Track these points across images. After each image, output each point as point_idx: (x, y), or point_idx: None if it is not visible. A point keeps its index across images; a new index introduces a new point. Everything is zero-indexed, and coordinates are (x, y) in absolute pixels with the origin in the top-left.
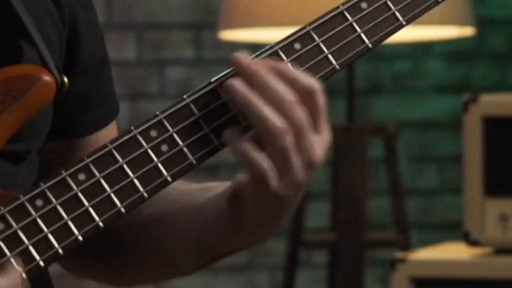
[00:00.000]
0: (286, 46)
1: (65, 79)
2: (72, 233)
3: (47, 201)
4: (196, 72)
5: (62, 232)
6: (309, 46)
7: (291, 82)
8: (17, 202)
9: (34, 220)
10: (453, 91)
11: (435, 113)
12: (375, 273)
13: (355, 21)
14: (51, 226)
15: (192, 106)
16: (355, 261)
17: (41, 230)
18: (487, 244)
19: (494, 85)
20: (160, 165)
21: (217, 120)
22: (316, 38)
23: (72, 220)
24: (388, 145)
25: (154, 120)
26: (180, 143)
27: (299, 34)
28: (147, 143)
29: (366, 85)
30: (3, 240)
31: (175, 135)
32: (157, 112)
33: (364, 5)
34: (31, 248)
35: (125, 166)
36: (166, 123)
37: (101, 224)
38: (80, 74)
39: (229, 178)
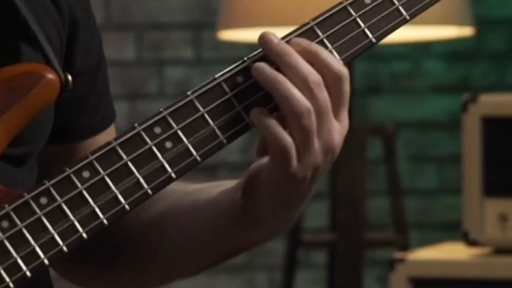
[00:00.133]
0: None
1: (69, 77)
2: (77, 230)
3: (52, 198)
4: (196, 72)
5: (67, 230)
6: (313, 42)
7: (321, 64)
8: (22, 200)
9: (39, 218)
10: (452, 91)
11: (434, 113)
12: (374, 273)
13: (358, 16)
14: (55, 224)
15: (196, 102)
16: (354, 261)
17: (46, 228)
18: (486, 244)
19: (493, 85)
20: (164, 162)
21: (222, 116)
22: (320, 33)
23: (76, 217)
24: (387, 145)
25: (158, 117)
26: (185, 139)
27: (303, 29)
28: (151, 140)
29: (365, 85)
30: (8, 239)
31: (179, 132)
32: (161, 109)
33: (367, 0)
34: (35, 246)
35: (129, 163)
36: (170, 119)
37: (105, 221)
38: (77, 75)
39: (229, 178)
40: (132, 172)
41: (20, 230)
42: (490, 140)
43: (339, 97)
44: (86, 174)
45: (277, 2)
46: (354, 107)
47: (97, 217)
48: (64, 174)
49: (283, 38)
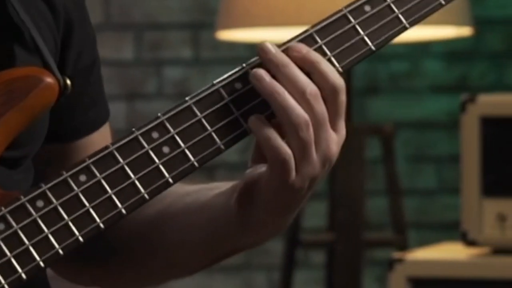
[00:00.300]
0: None
1: (68, 81)
2: (73, 233)
3: (48, 201)
4: (194, 72)
5: (63, 233)
6: (312, 49)
7: (319, 75)
8: (18, 203)
9: (35, 221)
10: (451, 91)
11: (432, 113)
12: (373, 273)
13: (358, 23)
14: (51, 227)
15: (194, 107)
16: (352, 261)
17: (42, 231)
18: (484, 244)
19: (492, 85)
20: (161, 167)
21: (220, 121)
22: (319, 40)
23: (72, 221)
24: (385, 145)
25: (156, 122)
26: (182, 144)
27: (302, 36)
28: (148, 145)
29: (363, 85)
30: (3, 240)
31: (176, 137)
32: (159, 114)
33: (367, 8)
34: (31, 249)
35: (126, 167)
36: (167, 124)
37: (101, 225)
38: (71, 75)
39: (227, 179)
40: (129, 176)
41: (16, 232)
42: (488, 140)
43: (336, 108)
44: (82, 177)
45: (275, 2)
46: (353, 107)
47: (94, 220)
48: (61, 178)
49: (282, 45)
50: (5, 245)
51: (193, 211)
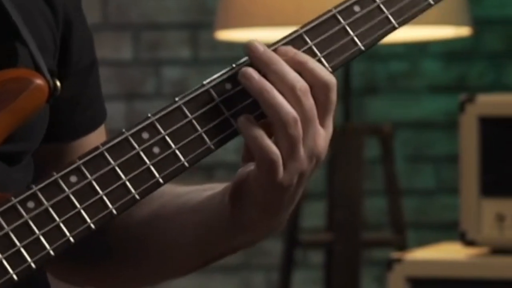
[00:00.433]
0: None
1: (58, 83)
2: (64, 234)
3: (39, 203)
4: (193, 72)
5: (54, 234)
6: (302, 49)
7: (308, 73)
8: (9, 204)
9: (26, 222)
10: (449, 91)
11: (431, 113)
12: (371, 273)
13: (348, 24)
14: (42, 228)
15: (184, 108)
16: (351, 261)
17: (33, 232)
18: (483, 244)
19: (490, 85)
20: (152, 167)
21: (210, 122)
22: (309, 41)
23: (63, 222)
24: (384, 145)
25: (146, 123)
26: (172, 145)
27: (292, 37)
28: (138, 145)
29: (362, 85)
30: None
31: (167, 137)
32: (149, 114)
33: (357, 8)
34: (22, 250)
35: (117, 168)
36: (158, 125)
37: (92, 226)
38: (70, 76)
39: (226, 178)
40: (120, 177)
41: (7, 234)
42: (487, 140)
43: (326, 105)
44: (73, 178)
45: (273, 2)
46: (351, 107)
47: (84, 221)
48: (52, 179)
49: (270, 46)
50: None
51: (187, 211)
